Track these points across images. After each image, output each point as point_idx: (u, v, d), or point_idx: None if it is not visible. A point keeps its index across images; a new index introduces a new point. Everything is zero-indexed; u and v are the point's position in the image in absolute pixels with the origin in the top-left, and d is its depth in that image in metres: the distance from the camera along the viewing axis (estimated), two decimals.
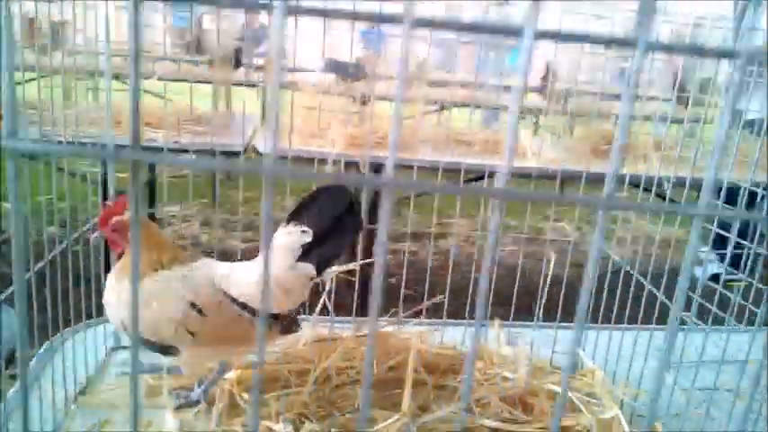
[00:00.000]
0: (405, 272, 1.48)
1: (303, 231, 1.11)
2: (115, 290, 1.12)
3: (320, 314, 1.42)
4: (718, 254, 3.68)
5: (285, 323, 1.17)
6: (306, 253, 1.12)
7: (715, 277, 3.37)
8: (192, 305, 1.09)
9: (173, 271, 1.13)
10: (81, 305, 1.24)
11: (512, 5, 5.88)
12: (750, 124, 3.27)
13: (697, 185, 1.87)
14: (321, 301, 1.41)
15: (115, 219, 1.13)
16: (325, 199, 1.12)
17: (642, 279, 1.43)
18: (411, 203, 2.60)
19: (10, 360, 1.37)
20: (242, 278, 1.14)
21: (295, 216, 1.14)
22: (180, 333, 1.09)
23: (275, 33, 0.41)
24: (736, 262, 1.60)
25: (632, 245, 1.76)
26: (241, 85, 4.39)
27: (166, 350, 1.13)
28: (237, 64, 4.71)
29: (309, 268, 1.13)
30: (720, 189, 1.43)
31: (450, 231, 4.28)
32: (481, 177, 3.13)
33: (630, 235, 1.74)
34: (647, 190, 2.36)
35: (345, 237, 1.15)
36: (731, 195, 1.52)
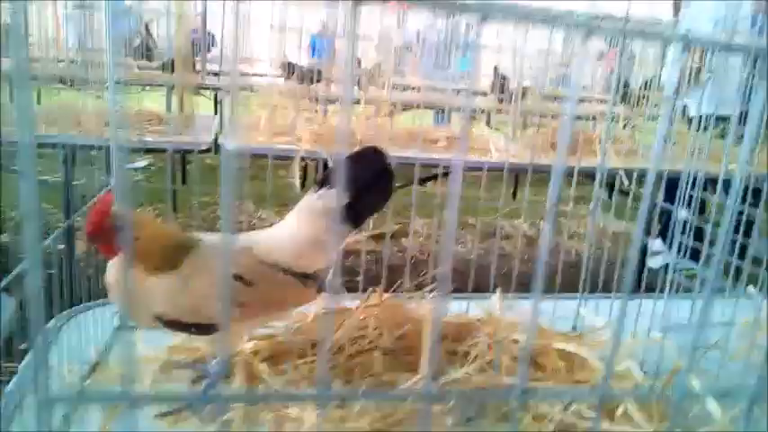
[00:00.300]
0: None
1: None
2: (138, 287, 1.06)
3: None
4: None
5: (321, 282, 1.20)
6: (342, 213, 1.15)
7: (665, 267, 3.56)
8: (238, 277, 1.08)
9: (200, 250, 1.11)
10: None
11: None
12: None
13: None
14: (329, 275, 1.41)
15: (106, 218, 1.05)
16: (359, 162, 1.14)
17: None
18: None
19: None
20: (277, 244, 1.16)
21: (326, 181, 1.17)
22: (227, 308, 1.07)
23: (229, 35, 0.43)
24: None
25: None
26: (204, 87, 4.37)
27: (206, 330, 1.10)
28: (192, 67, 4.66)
29: (345, 228, 1.16)
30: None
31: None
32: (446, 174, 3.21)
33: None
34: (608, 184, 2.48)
35: (380, 197, 1.19)
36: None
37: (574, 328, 1.54)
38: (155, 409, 1.08)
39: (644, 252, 3.80)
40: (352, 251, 1.79)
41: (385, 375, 1.26)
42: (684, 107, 3.88)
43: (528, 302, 1.58)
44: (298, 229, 1.20)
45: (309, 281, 1.18)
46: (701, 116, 3.49)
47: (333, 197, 1.14)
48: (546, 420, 1.14)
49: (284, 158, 3.06)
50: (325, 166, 2.80)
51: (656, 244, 3.85)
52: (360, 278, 1.52)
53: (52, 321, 1.26)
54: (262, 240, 1.16)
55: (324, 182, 1.19)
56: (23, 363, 1.10)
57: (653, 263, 3.82)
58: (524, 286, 1.31)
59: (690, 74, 3.66)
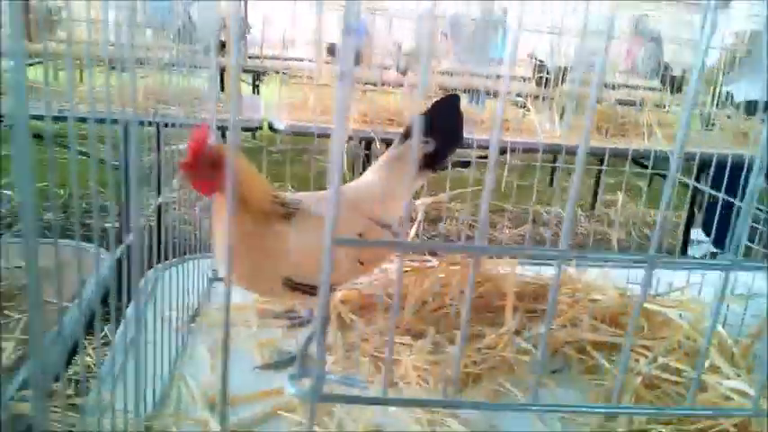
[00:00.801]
0: None
1: (426, 142, 1.17)
2: (252, 242, 1.02)
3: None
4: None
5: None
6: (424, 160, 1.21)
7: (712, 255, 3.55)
8: (359, 236, 1.12)
9: (307, 207, 1.09)
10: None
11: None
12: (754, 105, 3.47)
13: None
14: (413, 231, 1.45)
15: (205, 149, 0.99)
16: (439, 111, 1.19)
17: None
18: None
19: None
20: (371, 197, 1.20)
21: (410, 133, 1.22)
22: (351, 266, 1.11)
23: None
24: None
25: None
26: (247, 70, 4.44)
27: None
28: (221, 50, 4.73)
29: (428, 174, 1.23)
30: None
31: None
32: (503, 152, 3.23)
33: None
34: (644, 166, 2.49)
35: (454, 142, 1.27)
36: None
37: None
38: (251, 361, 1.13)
39: (686, 241, 3.80)
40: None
41: (471, 328, 1.29)
42: (728, 93, 3.85)
43: (596, 270, 1.62)
44: (387, 181, 1.23)
45: (389, 231, 1.21)
46: (749, 101, 3.46)
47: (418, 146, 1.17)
48: (633, 373, 1.16)
49: (325, 137, 3.10)
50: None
51: (698, 234, 3.85)
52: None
53: (150, 272, 1.31)
54: (358, 197, 1.20)
55: (408, 134, 1.24)
56: (128, 308, 1.14)
57: (696, 252, 3.81)
58: None
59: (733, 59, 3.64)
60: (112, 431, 0.81)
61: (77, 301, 1.23)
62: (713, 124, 3.69)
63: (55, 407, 0.80)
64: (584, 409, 1.11)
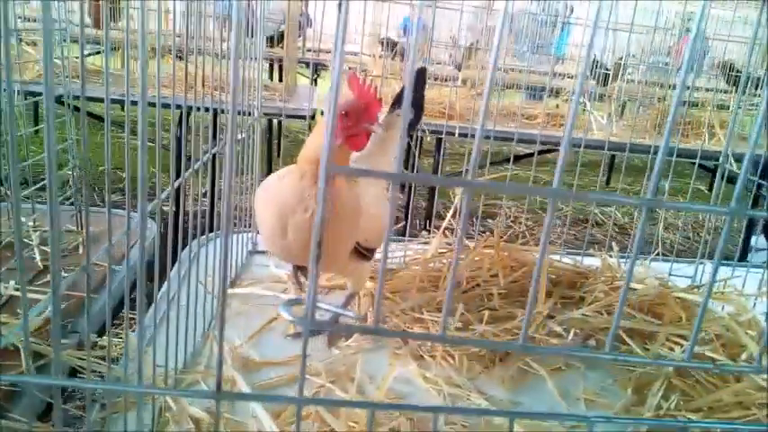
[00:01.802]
0: None
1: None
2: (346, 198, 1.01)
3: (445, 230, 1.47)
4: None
5: None
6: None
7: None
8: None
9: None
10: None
11: None
12: None
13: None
14: (446, 219, 1.46)
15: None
16: (415, 84, 1.28)
17: None
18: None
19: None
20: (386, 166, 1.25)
21: (398, 101, 1.31)
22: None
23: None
24: None
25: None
26: (304, 62, 4.55)
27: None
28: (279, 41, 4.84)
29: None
30: None
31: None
32: (550, 150, 3.19)
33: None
34: (701, 167, 2.39)
35: (420, 111, 1.37)
36: None
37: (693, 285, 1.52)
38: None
39: (745, 248, 3.65)
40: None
41: (500, 311, 1.29)
42: None
43: (638, 262, 1.59)
44: (392, 151, 1.28)
45: None
46: None
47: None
48: (666, 359, 1.14)
49: None
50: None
51: (760, 241, 3.69)
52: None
53: (194, 242, 1.36)
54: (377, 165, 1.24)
55: (397, 101, 1.32)
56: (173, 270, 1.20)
57: (755, 259, 3.65)
58: None
59: None
60: (149, 382, 0.85)
61: (124, 264, 1.30)
62: None
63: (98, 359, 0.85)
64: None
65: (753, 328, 1.19)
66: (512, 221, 4.75)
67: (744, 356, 1.13)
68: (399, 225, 2.99)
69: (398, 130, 1.25)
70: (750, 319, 1.22)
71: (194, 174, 1.06)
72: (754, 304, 1.33)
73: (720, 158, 1.49)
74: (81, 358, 0.93)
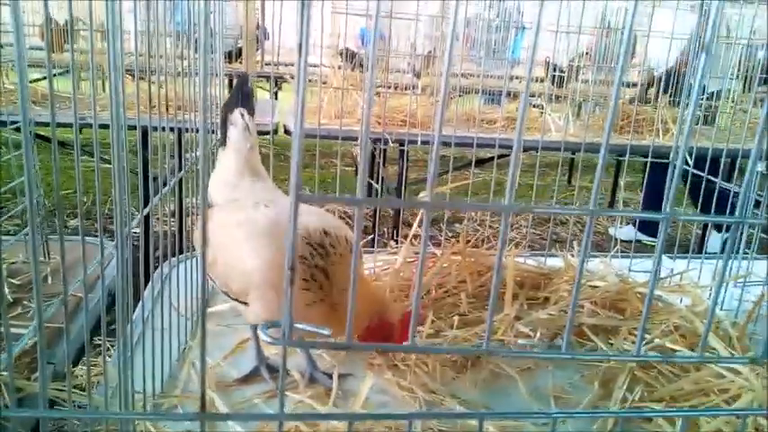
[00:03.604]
0: None
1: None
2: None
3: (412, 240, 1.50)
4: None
5: None
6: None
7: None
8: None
9: None
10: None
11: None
12: None
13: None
14: (414, 227, 1.49)
15: None
16: (242, 85, 1.25)
17: None
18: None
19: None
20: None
21: (242, 102, 1.23)
22: None
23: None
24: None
25: None
26: (263, 76, 4.56)
27: None
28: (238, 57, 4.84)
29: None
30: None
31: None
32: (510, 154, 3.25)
33: None
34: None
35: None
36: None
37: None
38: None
39: (704, 235, 3.78)
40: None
41: (470, 315, 1.33)
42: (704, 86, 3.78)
43: (598, 260, 1.65)
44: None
45: None
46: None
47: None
48: (630, 354, 1.19)
49: (345, 138, 3.15)
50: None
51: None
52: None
53: (167, 262, 1.37)
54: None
55: (235, 105, 1.23)
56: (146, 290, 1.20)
57: (713, 245, 3.79)
58: None
59: None
60: (124, 410, 0.86)
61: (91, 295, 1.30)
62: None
63: (67, 388, 0.86)
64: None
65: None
66: (478, 225, 4.83)
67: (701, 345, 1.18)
68: (368, 239, 3.01)
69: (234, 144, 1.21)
70: (706, 310, 1.28)
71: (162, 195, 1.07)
72: (709, 295, 1.39)
73: (671, 155, 1.55)
74: (59, 389, 0.93)
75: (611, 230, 4.07)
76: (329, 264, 0.97)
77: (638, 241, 3.68)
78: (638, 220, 3.73)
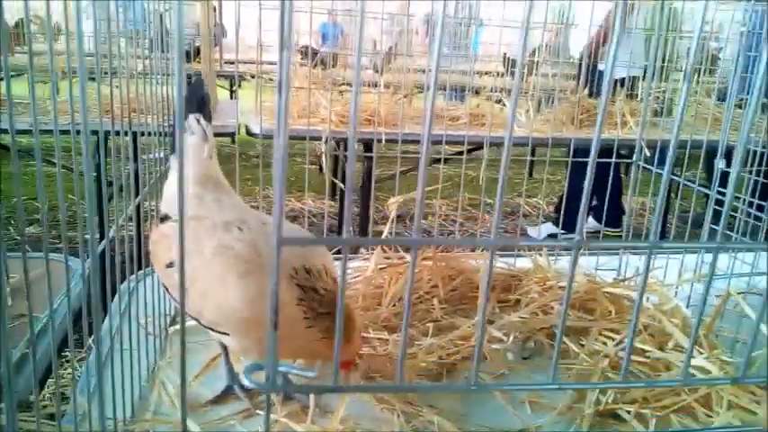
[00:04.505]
0: None
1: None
2: None
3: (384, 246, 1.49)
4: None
5: None
6: None
7: (552, 237, 3.67)
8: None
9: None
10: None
11: None
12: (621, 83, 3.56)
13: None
14: (385, 231, 1.48)
15: None
16: (197, 89, 1.18)
17: None
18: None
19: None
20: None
21: (198, 107, 1.16)
22: None
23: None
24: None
25: None
26: (222, 75, 4.47)
27: None
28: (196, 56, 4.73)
29: None
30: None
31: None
32: (479, 148, 3.27)
33: None
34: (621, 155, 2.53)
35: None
36: None
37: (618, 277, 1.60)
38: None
39: (664, 225, 3.86)
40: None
41: (443, 320, 1.33)
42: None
43: (566, 260, 1.66)
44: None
45: None
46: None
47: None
48: (601, 355, 1.21)
49: (312, 138, 3.12)
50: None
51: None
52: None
53: (125, 283, 1.33)
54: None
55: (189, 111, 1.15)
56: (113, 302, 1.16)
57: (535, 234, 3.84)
58: None
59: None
60: None
61: (51, 315, 1.25)
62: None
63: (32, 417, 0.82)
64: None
65: (676, 317, 1.28)
66: (443, 220, 4.85)
67: (670, 345, 1.21)
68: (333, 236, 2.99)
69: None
70: (673, 308, 1.30)
71: (120, 199, 1.04)
72: (676, 293, 1.42)
73: (634, 156, 1.58)
74: (24, 420, 0.89)
75: (531, 232, 4.08)
76: (324, 301, 0.95)
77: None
78: (562, 220, 3.77)
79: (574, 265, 0.49)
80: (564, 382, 1.12)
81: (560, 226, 3.74)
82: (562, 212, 3.38)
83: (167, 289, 1.05)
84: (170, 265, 1.00)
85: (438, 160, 3.54)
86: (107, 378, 0.92)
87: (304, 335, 0.93)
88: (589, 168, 0.51)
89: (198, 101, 1.16)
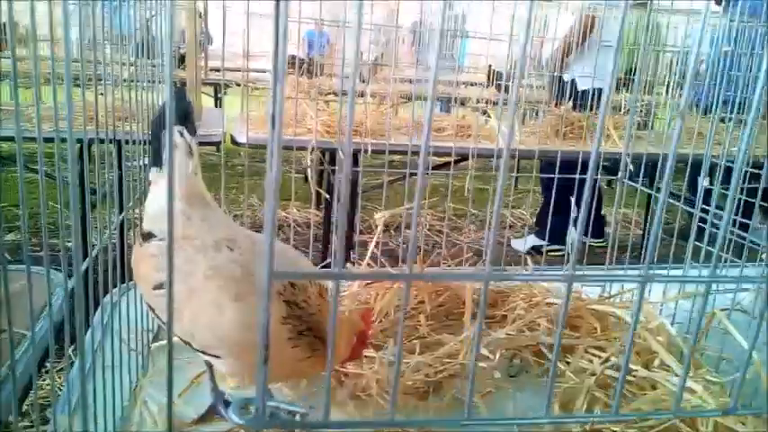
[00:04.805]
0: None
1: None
2: None
3: (370, 260, 1.49)
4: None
5: None
6: None
7: (535, 249, 3.72)
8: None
9: None
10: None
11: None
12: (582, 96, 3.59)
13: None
14: (370, 249, 1.47)
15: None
16: (180, 99, 1.13)
17: None
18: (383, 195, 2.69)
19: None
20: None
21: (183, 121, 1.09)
22: None
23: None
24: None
25: None
26: (208, 83, 4.44)
27: None
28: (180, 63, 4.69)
29: None
30: None
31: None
32: (464, 159, 3.27)
33: None
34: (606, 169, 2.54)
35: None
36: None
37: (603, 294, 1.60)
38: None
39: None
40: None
41: (429, 337, 1.32)
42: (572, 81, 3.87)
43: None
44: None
45: None
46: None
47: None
48: (587, 374, 1.21)
49: (299, 148, 3.10)
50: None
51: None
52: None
53: (115, 290, 1.31)
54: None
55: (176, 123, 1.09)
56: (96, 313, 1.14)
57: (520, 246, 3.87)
58: None
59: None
60: None
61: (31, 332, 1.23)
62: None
63: None
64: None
65: (661, 335, 1.28)
66: (428, 230, 4.85)
67: (656, 363, 1.21)
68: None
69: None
70: (658, 326, 1.31)
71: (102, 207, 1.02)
72: (660, 311, 1.42)
73: (620, 173, 1.58)
74: None
75: (516, 244, 4.07)
76: (308, 316, 0.94)
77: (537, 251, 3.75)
78: (548, 231, 3.77)
79: (567, 299, 0.48)
80: (557, 416, 1.11)
81: (546, 238, 3.75)
82: (548, 226, 3.39)
83: (153, 310, 1.03)
84: (158, 287, 0.98)
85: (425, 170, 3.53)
86: (89, 396, 0.90)
87: (291, 354, 0.92)
88: (587, 185, 0.51)
89: (180, 113, 1.09)
